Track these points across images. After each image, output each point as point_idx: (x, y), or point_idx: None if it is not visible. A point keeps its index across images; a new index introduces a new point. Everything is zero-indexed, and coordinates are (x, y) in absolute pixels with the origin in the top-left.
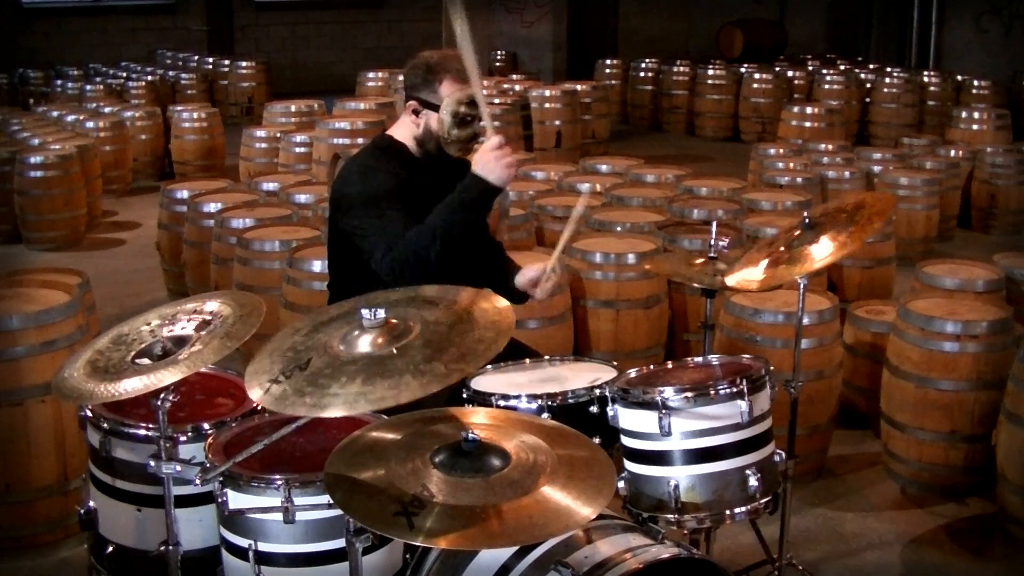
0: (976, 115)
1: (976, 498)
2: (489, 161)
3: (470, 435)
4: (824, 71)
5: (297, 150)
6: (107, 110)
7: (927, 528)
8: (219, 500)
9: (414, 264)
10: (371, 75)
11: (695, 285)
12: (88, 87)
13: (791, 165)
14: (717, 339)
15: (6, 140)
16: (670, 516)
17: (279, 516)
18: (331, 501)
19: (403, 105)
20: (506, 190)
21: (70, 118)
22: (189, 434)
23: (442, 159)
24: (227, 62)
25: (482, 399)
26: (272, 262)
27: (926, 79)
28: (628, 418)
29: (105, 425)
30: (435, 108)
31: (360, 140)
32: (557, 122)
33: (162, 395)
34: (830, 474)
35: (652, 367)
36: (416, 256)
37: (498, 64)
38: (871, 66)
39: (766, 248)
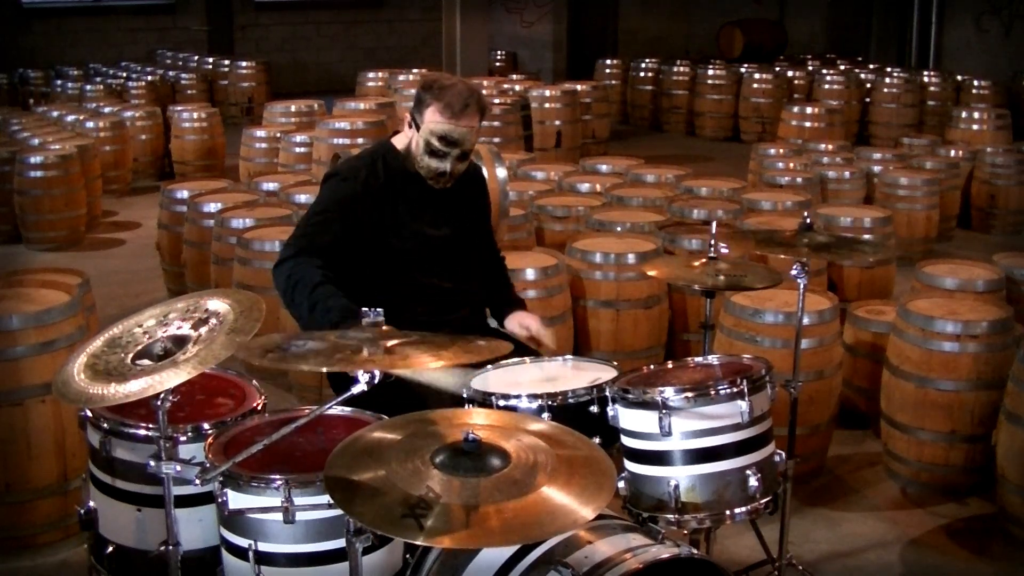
0: (976, 115)
1: (976, 498)
2: None
3: (470, 435)
4: (824, 71)
5: (297, 150)
6: (107, 110)
7: (927, 528)
8: (219, 500)
9: (283, 293)
10: (371, 75)
11: (695, 287)
12: (88, 87)
13: (791, 165)
14: (717, 339)
15: (6, 140)
16: (670, 516)
17: (279, 516)
18: (331, 501)
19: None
20: (506, 189)
21: (70, 118)
22: (189, 434)
23: None
24: (227, 62)
25: (482, 399)
26: (272, 262)
27: (926, 79)
28: (628, 418)
29: (105, 425)
30: (418, 129)
31: (360, 140)
32: (557, 122)
33: (162, 395)
34: (830, 474)
35: (652, 367)
36: (279, 290)
37: (498, 64)
38: (871, 66)
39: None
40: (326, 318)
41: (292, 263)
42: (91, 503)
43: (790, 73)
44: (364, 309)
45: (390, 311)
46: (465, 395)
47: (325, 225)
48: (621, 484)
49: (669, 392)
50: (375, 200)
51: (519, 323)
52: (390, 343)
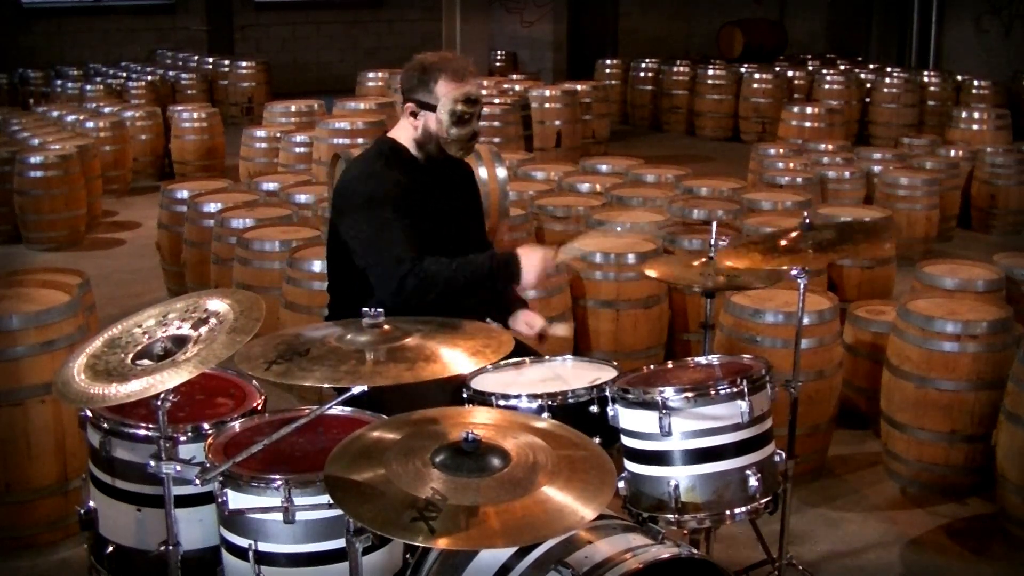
0: (976, 115)
1: (976, 498)
2: (536, 266)
3: (470, 435)
4: (824, 71)
5: (297, 150)
6: (107, 110)
7: (927, 528)
8: (219, 500)
9: (429, 291)
10: (371, 75)
11: (695, 288)
12: (88, 87)
13: (791, 165)
14: (717, 339)
15: (6, 140)
16: (670, 516)
17: (279, 516)
18: (331, 501)
19: (402, 108)
20: (506, 190)
21: (70, 118)
22: (189, 434)
23: (443, 160)
24: (227, 62)
25: (482, 399)
26: (272, 262)
27: (926, 79)
28: (628, 418)
29: (105, 425)
30: (432, 108)
31: (360, 140)
32: (557, 122)
33: (162, 395)
34: (830, 474)
35: (652, 367)
36: (438, 288)
37: (498, 64)
38: (871, 66)
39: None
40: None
41: (415, 280)
42: (91, 503)
43: (790, 73)
44: (364, 309)
45: (400, 302)
46: (465, 395)
47: (392, 232)
48: (621, 484)
49: (669, 392)
50: (409, 193)
51: (525, 322)
52: (393, 345)
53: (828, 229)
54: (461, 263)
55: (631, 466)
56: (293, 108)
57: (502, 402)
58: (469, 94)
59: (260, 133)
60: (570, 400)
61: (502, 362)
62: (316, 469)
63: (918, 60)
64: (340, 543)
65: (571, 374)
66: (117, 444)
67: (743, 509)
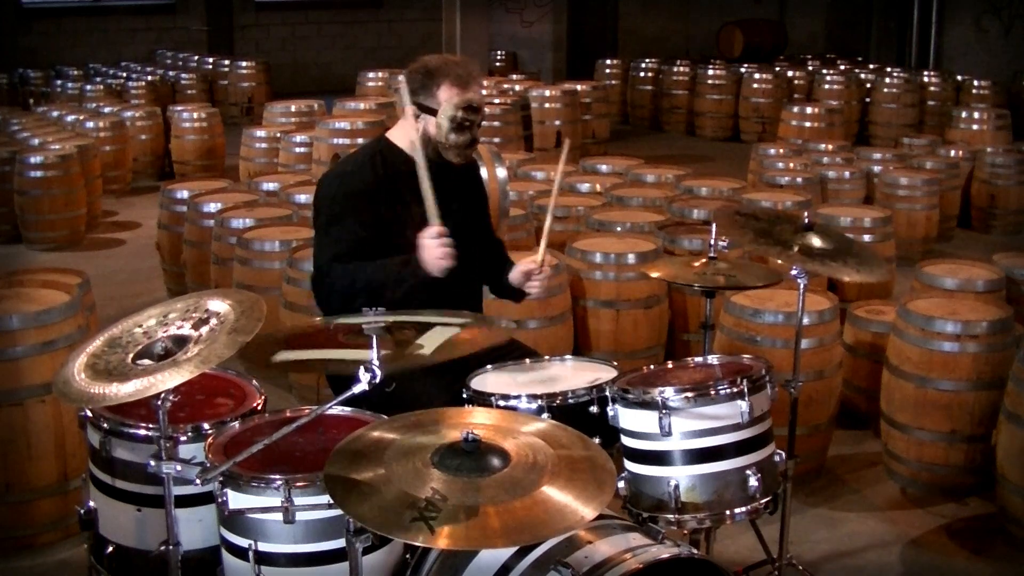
0: (976, 115)
1: (976, 498)
2: (424, 252)
3: (470, 435)
4: (824, 71)
5: (297, 150)
6: (107, 110)
7: (927, 528)
8: (219, 500)
9: (330, 301)
10: (371, 75)
11: (695, 286)
12: (88, 87)
13: (791, 165)
14: (717, 339)
15: (6, 140)
16: (670, 516)
17: (279, 516)
18: (331, 501)
19: (402, 106)
20: (506, 190)
21: (70, 118)
22: (189, 434)
23: (442, 161)
24: (227, 62)
25: (482, 399)
26: (272, 262)
27: (926, 79)
28: (628, 418)
29: (105, 425)
30: (433, 112)
31: (360, 140)
32: (557, 122)
33: (162, 395)
34: (830, 474)
35: (652, 367)
36: (337, 296)
37: (498, 64)
38: (871, 66)
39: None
40: (389, 280)
41: (329, 277)
42: (91, 503)
43: (790, 73)
44: (364, 308)
45: (394, 305)
46: (465, 395)
47: (341, 231)
48: (621, 484)
49: (669, 392)
50: (384, 193)
51: (518, 271)
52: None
53: (826, 242)
54: (374, 266)
55: (631, 466)
56: (293, 108)
57: (502, 402)
58: (471, 101)
59: (260, 133)
60: (570, 400)
61: (502, 362)
62: (316, 469)
63: (918, 60)
64: (340, 543)
65: (571, 374)
66: (117, 444)
67: (743, 509)
